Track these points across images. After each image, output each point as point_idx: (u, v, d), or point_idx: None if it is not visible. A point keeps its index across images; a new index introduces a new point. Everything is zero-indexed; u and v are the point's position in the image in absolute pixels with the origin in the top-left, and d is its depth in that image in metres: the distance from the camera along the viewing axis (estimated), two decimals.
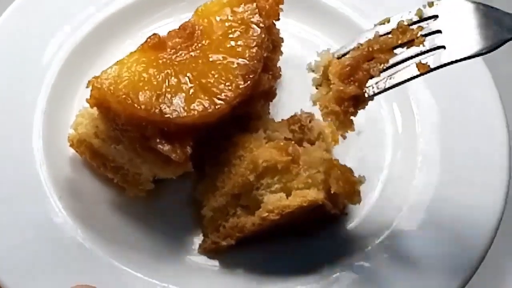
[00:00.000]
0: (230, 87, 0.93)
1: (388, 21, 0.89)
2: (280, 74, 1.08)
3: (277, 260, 1.00)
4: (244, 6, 0.99)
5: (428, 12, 0.88)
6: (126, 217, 1.02)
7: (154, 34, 0.95)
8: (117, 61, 0.93)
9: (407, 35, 0.86)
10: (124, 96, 0.89)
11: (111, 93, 0.89)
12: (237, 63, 0.95)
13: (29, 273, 0.93)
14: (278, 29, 1.08)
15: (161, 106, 0.90)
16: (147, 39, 0.95)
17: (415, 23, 0.88)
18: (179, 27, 0.98)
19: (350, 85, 0.85)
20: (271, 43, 1.04)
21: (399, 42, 0.87)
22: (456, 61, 0.84)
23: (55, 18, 1.15)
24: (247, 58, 0.96)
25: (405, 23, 0.87)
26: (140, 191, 1.01)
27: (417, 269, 0.97)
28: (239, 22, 0.98)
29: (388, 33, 0.88)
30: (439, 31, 0.86)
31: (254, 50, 0.97)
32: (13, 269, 0.93)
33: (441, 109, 1.11)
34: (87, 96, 0.94)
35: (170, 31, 0.98)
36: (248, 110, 1.01)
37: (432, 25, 0.87)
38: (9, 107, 1.05)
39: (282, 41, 1.09)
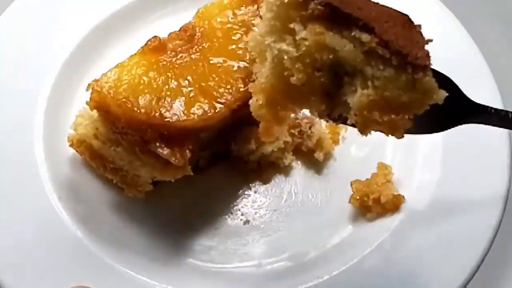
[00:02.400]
0: (230, 91, 0.93)
1: None
2: None
3: (277, 260, 1.01)
4: (245, 8, 0.99)
5: None
6: (125, 218, 1.02)
7: (155, 36, 0.95)
8: (117, 64, 0.93)
9: None
10: (124, 99, 0.89)
11: (111, 96, 0.89)
12: (238, 66, 0.95)
13: (28, 273, 0.93)
14: None
15: (161, 109, 0.90)
16: (147, 41, 0.95)
17: None
18: (180, 29, 0.98)
19: None
20: None
21: None
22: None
23: (55, 19, 1.15)
24: (248, 61, 0.95)
25: None
26: (139, 192, 1.02)
27: (416, 271, 0.97)
28: (240, 24, 0.98)
29: None
30: None
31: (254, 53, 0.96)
32: (12, 269, 0.93)
33: None
34: (87, 96, 0.94)
35: (170, 33, 0.98)
36: (248, 112, 1.00)
37: None
38: (10, 107, 1.06)
39: None
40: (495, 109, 0.91)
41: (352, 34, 0.73)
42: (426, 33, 0.76)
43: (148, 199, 1.03)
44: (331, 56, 0.75)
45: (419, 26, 0.76)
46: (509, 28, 1.38)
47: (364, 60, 0.73)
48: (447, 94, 0.73)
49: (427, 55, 0.72)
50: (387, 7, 0.79)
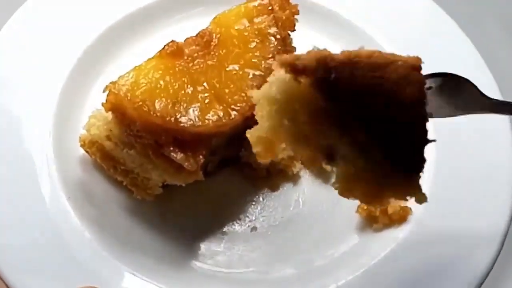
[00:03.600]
0: (244, 98, 0.94)
1: None
2: None
3: (283, 268, 1.02)
4: (262, 17, 0.99)
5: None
6: (134, 220, 1.03)
7: (172, 41, 0.96)
8: (135, 67, 0.93)
9: None
10: (140, 103, 0.89)
11: (128, 99, 0.89)
12: (253, 74, 0.96)
13: (36, 273, 0.93)
14: (291, 38, 1.08)
15: (176, 114, 0.90)
16: (165, 46, 0.95)
17: None
18: (197, 34, 0.99)
19: None
20: (285, 53, 1.05)
21: None
22: None
23: (71, 18, 1.15)
24: (263, 69, 0.96)
25: None
26: (148, 195, 1.02)
27: (422, 283, 0.98)
28: (256, 32, 0.99)
29: None
30: None
31: (270, 61, 0.97)
32: (20, 268, 0.93)
33: None
34: (100, 97, 0.94)
35: (187, 38, 0.98)
36: None
37: None
38: (22, 105, 1.06)
39: (295, 50, 1.10)
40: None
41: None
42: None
43: (157, 202, 1.04)
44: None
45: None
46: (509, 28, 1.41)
47: (359, 154, 0.74)
48: (427, 200, 0.75)
49: (421, 160, 0.73)
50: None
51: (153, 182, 1.00)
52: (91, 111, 1.03)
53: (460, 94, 0.91)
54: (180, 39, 1.00)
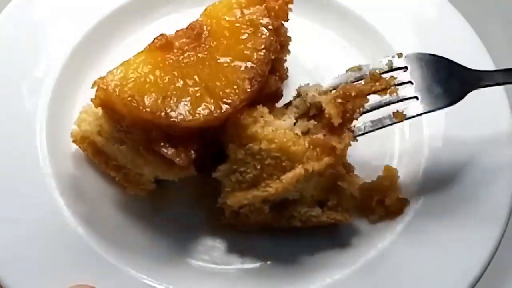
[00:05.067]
0: (236, 91, 0.92)
1: (360, 69, 0.99)
2: (287, 75, 1.07)
3: (279, 261, 1.01)
4: (253, 7, 0.97)
5: (398, 63, 1.00)
6: (128, 216, 1.02)
7: (162, 34, 0.94)
8: (123, 62, 0.92)
9: (380, 83, 0.96)
10: (129, 98, 0.88)
11: (116, 95, 0.88)
12: (245, 66, 0.94)
13: (28, 270, 0.93)
14: (286, 28, 1.06)
15: (166, 109, 0.89)
16: (154, 39, 0.93)
17: (385, 72, 0.99)
18: (187, 27, 0.97)
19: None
20: (279, 43, 1.03)
21: (373, 89, 0.96)
22: (428, 111, 0.98)
23: (60, 12, 1.14)
24: (255, 61, 0.94)
25: (377, 71, 0.98)
26: (141, 191, 1.01)
27: (418, 276, 0.97)
28: (248, 23, 0.97)
29: (360, 79, 0.98)
30: (410, 82, 0.99)
31: (262, 53, 0.95)
32: (12, 265, 0.93)
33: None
34: (91, 92, 0.93)
35: (177, 31, 0.96)
36: None
37: (402, 76, 0.99)
38: (13, 101, 1.05)
39: (290, 40, 1.08)
40: (494, 70, 1.03)
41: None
42: None
43: (150, 197, 1.02)
44: None
45: None
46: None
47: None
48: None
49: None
50: None
51: (145, 178, 0.99)
52: (82, 106, 1.02)
53: (442, 69, 0.99)
54: (171, 31, 0.98)
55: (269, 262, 1.00)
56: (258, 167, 0.92)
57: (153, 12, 1.19)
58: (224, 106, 0.91)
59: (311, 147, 0.91)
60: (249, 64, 0.94)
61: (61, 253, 0.95)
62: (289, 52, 1.08)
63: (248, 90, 0.93)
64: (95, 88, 0.91)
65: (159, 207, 1.03)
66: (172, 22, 1.06)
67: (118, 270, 0.95)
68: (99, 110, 0.94)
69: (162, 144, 0.89)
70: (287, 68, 1.07)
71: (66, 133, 1.03)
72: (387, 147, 1.12)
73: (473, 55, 1.13)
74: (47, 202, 0.98)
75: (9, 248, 0.94)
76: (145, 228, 1.01)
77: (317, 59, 1.20)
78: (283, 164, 0.90)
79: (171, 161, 0.90)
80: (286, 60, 1.07)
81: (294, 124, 0.95)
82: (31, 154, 1.01)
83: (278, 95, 1.04)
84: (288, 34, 1.06)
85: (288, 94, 1.07)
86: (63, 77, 1.09)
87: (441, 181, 1.06)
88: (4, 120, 1.03)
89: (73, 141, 1.02)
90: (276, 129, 0.92)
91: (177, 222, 1.02)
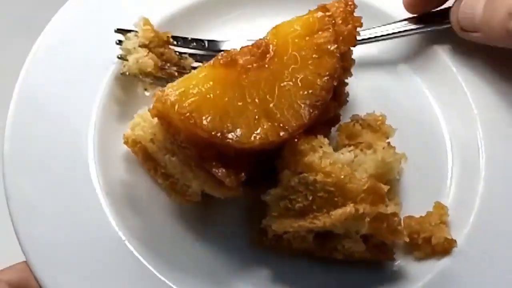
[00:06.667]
0: (295, 117, 0.90)
1: None
2: (347, 100, 1.05)
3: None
4: (322, 32, 0.94)
5: None
6: (172, 223, 1.02)
7: (227, 51, 0.92)
8: (185, 76, 0.91)
9: None
10: (188, 114, 0.87)
11: (174, 110, 0.87)
12: (306, 92, 0.92)
13: (67, 272, 0.94)
14: (352, 51, 1.03)
15: (223, 129, 0.87)
16: (218, 55, 0.92)
17: None
18: (253, 44, 0.95)
19: None
20: (342, 67, 1.00)
21: None
22: None
23: (116, 16, 1.13)
24: (317, 88, 0.92)
25: None
26: (187, 202, 1.00)
27: None
28: (315, 48, 0.94)
29: None
30: None
31: (325, 79, 0.93)
32: (51, 264, 0.94)
33: None
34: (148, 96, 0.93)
35: (243, 47, 0.94)
36: None
37: None
38: (67, 97, 1.06)
39: (354, 63, 1.05)
40: None
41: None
42: None
43: (196, 207, 1.01)
44: None
45: None
46: None
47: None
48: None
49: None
50: None
51: (192, 190, 0.98)
52: (139, 108, 1.01)
53: None
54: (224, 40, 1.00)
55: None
56: (310, 198, 0.89)
57: (207, 21, 1.18)
58: (281, 133, 0.89)
59: (368, 188, 0.88)
60: (311, 90, 0.92)
61: (100, 254, 0.95)
62: (351, 75, 1.05)
63: (308, 117, 0.91)
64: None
65: (205, 216, 1.03)
66: (224, 32, 1.12)
67: (157, 279, 0.95)
68: (155, 119, 0.93)
69: (214, 163, 0.88)
70: (347, 92, 1.05)
71: (118, 135, 1.02)
72: (441, 182, 1.09)
73: None
74: (90, 200, 0.99)
75: (50, 248, 0.94)
76: (189, 237, 1.01)
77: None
78: (335, 199, 0.88)
79: (220, 180, 0.89)
80: (347, 84, 1.04)
81: (353, 161, 0.92)
82: (80, 152, 1.02)
83: (337, 120, 1.02)
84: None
85: (346, 116, 1.05)
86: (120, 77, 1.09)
87: (493, 226, 1.02)
88: (57, 117, 1.04)
89: (124, 143, 1.01)
90: (334, 162, 0.90)
91: (221, 238, 1.02)
